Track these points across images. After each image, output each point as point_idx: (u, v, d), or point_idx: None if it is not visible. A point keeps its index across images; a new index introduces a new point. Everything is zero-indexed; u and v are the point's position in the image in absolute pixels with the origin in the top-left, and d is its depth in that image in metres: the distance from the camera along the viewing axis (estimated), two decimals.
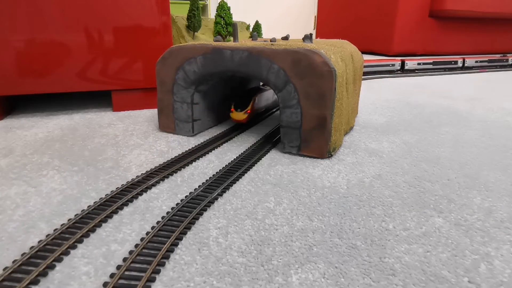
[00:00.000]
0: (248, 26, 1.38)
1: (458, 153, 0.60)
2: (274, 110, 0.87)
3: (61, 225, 0.37)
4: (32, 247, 0.33)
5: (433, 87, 1.26)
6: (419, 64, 1.58)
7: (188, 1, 1.07)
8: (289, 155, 0.57)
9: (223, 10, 1.15)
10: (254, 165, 0.53)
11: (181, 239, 0.35)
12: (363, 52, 1.74)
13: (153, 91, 0.83)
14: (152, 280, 0.30)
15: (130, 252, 0.33)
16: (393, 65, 1.54)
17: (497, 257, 0.33)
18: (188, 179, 0.48)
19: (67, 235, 0.35)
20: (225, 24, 1.15)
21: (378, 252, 0.34)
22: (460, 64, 1.69)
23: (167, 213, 0.39)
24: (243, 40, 0.76)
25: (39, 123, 0.73)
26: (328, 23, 2.23)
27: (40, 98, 0.93)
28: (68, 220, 0.37)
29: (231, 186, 0.46)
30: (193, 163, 0.54)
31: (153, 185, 0.46)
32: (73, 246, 0.34)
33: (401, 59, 1.57)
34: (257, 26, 1.31)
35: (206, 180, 0.47)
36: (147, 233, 0.35)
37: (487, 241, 0.36)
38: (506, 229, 0.38)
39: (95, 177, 0.48)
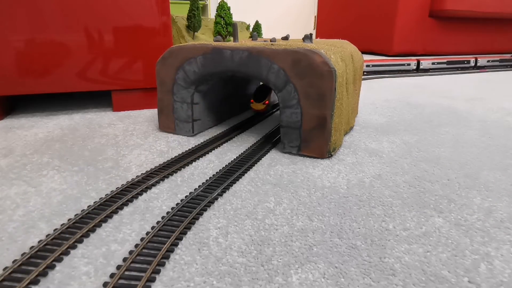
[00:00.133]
0: (248, 26, 1.38)
1: (458, 153, 0.60)
2: (274, 110, 0.87)
3: (61, 225, 0.37)
4: (32, 247, 0.33)
5: (433, 87, 1.26)
6: (433, 63, 1.61)
7: (188, 1, 1.07)
8: (289, 155, 0.57)
9: (223, 10, 1.15)
10: (254, 165, 0.53)
11: (181, 239, 0.35)
12: (363, 52, 1.74)
13: (153, 91, 0.83)
14: (152, 280, 0.30)
15: (130, 252, 0.33)
16: (408, 64, 1.57)
17: (497, 257, 0.33)
18: (188, 179, 0.48)
19: (67, 235, 0.35)
20: (225, 24, 1.15)
21: (378, 252, 0.34)
22: (472, 64, 1.72)
23: (167, 213, 0.39)
24: (243, 40, 0.76)
25: (39, 123, 0.73)
26: (328, 23, 2.23)
27: (40, 98, 0.93)
28: (68, 220, 0.37)
29: (231, 186, 0.46)
30: (193, 163, 0.54)
31: (153, 185, 0.46)
32: (73, 246, 0.34)
33: (416, 59, 1.60)
34: (257, 26, 1.31)
35: (206, 180, 0.47)
36: (147, 233, 0.35)
37: (487, 241, 0.36)
38: (506, 229, 0.38)
39: (95, 177, 0.48)
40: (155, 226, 0.36)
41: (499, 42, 1.95)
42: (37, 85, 0.75)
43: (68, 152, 0.57)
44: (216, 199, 0.43)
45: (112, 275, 0.30)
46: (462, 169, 0.53)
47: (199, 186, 0.46)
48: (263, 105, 0.77)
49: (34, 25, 0.72)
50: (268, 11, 2.34)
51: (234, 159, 0.55)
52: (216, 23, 1.15)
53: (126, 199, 0.42)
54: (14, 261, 0.31)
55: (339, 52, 0.58)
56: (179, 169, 0.51)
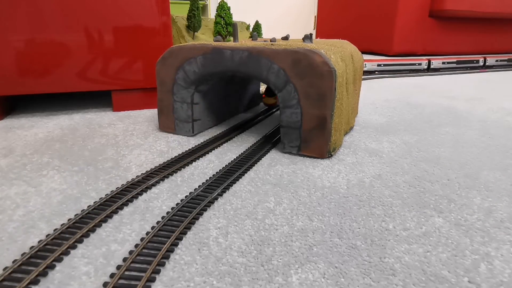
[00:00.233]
0: (248, 26, 1.38)
1: (458, 153, 0.60)
2: (274, 110, 0.87)
3: (61, 225, 0.37)
4: (32, 247, 0.33)
5: (433, 87, 1.26)
6: (443, 63, 1.66)
7: (188, 1, 1.07)
8: (289, 155, 0.57)
9: (223, 10, 1.15)
10: (254, 165, 0.53)
11: (181, 239, 0.35)
12: (363, 52, 1.74)
13: (153, 91, 0.83)
14: (152, 280, 0.30)
15: (130, 252, 0.33)
16: (420, 64, 1.61)
17: (497, 257, 0.33)
18: (188, 179, 0.48)
19: (67, 235, 0.35)
20: (225, 24, 1.15)
21: (378, 252, 0.34)
22: (481, 63, 1.75)
23: (167, 213, 0.39)
24: (243, 40, 0.76)
25: (39, 123, 0.73)
26: (328, 23, 2.23)
27: (40, 98, 0.93)
28: (68, 220, 0.37)
29: (231, 186, 0.46)
30: (193, 163, 0.54)
31: (153, 185, 0.46)
32: (73, 246, 0.34)
33: (427, 59, 1.63)
34: (257, 26, 1.31)
35: (206, 180, 0.47)
36: (147, 233, 0.35)
37: (487, 241, 0.36)
38: (506, 229, 0.38)
39: (95, 177, 0.48)
40: (155, 226, 0.36)
41: (499, 42, 1.95)
42: (37, 85, 0.75)
43: (68, 152, 0.57)
44: (216, 199, 0.43)
45: (112, 275, 0.30)
46: (462, 169, 0.53)
47: (199, 186, 0.46)
48: (274, 99, 0.86)
49: (34, 25, 0.72)
50: (268, 11, 2.34)
51: (234, 159, 0.55)
52: (216, 23, 1.15)
53: (126, 199, 0.42)
54: (14, 261, 0.31)
55: (339, 52, 0.58)
56: (179, 169, 0.51)
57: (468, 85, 1.33)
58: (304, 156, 0.57)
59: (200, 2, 1.15)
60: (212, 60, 0.59)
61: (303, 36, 0.64)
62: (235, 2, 1.82)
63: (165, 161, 0.53)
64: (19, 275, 0.29)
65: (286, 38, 0.73)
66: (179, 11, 1.38)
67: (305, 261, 0.32)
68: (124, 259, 0.32)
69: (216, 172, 0.50)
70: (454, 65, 1.68)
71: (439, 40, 1.78)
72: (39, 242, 0.34)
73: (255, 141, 0.63)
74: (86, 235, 0.35)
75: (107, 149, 0.59)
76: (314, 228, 0.37)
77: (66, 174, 0.49)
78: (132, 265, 0.31)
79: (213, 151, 0.59)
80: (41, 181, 0.47)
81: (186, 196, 0.43)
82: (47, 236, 0.35)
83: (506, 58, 1.79)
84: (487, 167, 0.54)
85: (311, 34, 0.64)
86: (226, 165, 0.52)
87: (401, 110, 0.90)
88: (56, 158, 0.55)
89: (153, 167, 0.51)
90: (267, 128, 0.72)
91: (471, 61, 1.73)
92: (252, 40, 0.75)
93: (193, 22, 1.07)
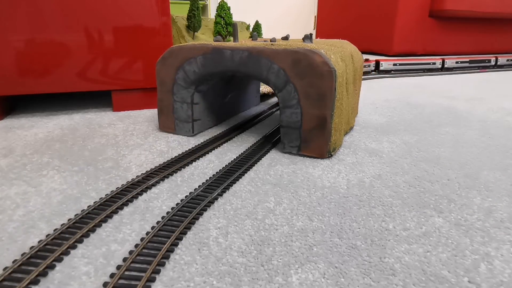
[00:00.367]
0: (248, 26, 1.37)
1: (458, 153, 0.60)
2: (274, 110, 0.87)
3: (61, 225, 0.37)
4: (32, 247, 0.33)
5: (433, 87, 1.26)
6: (457, 62, 1.70)
7: (188, 1, 1.07)
8: (289, 155, 0.57)
9: (223, 10, 1.15)
10: (254, 165, 0.53)
11: (181, 239, 0.35)
12: (363, 52, 1.74)
13: (153, 91, 0.83)
14: (152, 280, 0.30)
15: (130, 252, 0.33)
16: (434, 63, 1.65)
17: (497, 257, 0.33)
18: (188, 179, 0.48)
19: (67, 235, 0.35)
20: (225, 24, 1.15)
21: (378, 252, 0.34)
22: (493, 63, 1.79)
23: (167, 213, 0.39)
24: (243, 40, 0.76)
25: (39, 123, 0.73)
26: (328, 23, 2.23)
27: (40, 98, 0.93)
28: (68, 220, 0.37)
29: (231, 186, 0.46)
30: (193, 163, 0.54)
31: (153, 185, 0.46)
32: (73, 246, 0.34)
33: (441, 58, 1.67)
34: (257, 26, 1.31)
35: (206, 180, 0.47)
36: (147, 233, 0.35)
37: (487, 241, 0.36)
38: (506, 229, 0.38)
39: (95, 177, 0.48)
40: (155, 226, 0.36)
41: (499, 42, 1.95)
42: (37, 85, 0.75)
43: (68, 152, 0.57)
44: (216, 199, 0.43)
45: (112, 275, 0.30)
46: (462, 169, 0.53)
47: (199, 186, 0.46)
48: None
49: (34, 25, 0.72)
50: (268, 11, 2.34)
51: (234, 159, 0.55)
52: (216, 23, 1.15)
53: (126, 199, 0.42)
54: (14, 261, 0.31)
55: (339, 52, 0.58)
56: (179, 169, 0.51)
57: (468, 85, 1.33)
58: (304, 156, 0.57)
59: (200, 2, 1.15)
60: (212, 60, 0.59)
61: (303, 36, 0.64)
62: (235, 2, 1.82)
63: (165, 161, 0.53)
64: (19, 275, 0.29)
65: (286, 38, 0.73)
66: (179, 11, 1.38)
67: (305, 261, 0.32)
68: (124, 259, 0.32)
69: (216, 172, 0.50)
70: (467, 64, 1.73)
71: (439, 40, 1.78)
72: (39, 242, 0.34)
73: (255, 141, 0.63)
74: (86, 235, 0.35)
75: (107, 149, 0.59)
76: (314, 228, 0.37)
77: (66, 174, 0.49)
78: (132, 265, 0.31)
79: (213, 151, 0.59)
80: (41, 181, 0.47)
81: (186, 196, 0.43)
82: (47, 236, 0.35)
83: None
84: (487, 167, 0.54)
85: (311, 34, 0.64)
86: (226, 165, 0.52)
87: (401, 110, 0.90)
88: (56, 158, 0.55)
89: (153, 167, 0.51)
90: (267, 128, 0.72)
91: (483, 61, 1.77)
92: (252, 40, 0.75)
93: (193, 22, 1.07)
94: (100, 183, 0.47)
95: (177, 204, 0.41)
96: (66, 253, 0.33)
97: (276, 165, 0.53)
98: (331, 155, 0.56)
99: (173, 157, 0.55)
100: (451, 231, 0.37)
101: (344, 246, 0.34)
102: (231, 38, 1.08)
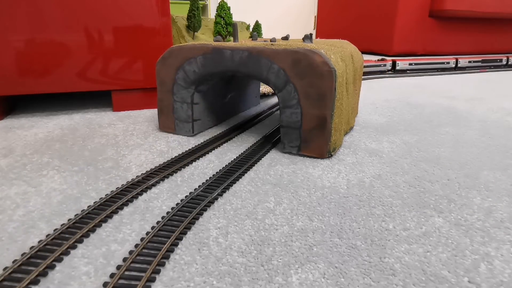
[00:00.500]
0: (248, 26, 1.37)
1: (458, 153, 0.60)
2: (274, 109, 0.87)
3: (61, 225, 0.37)
4: (32, 247, 0.33)
5: (433, 87, 1.26)
6: (469, 62, 1.73)
7: (188, 1, 1.07)
8: (289, 155, 0.57)
9: (223, 10, 1.15)
10: (254, 165, 0.53)
11: (181, 239, 0.35)
12: (363, 52, 1.75)
13: (153, 91, 0.83)
14: (152, 280, 0.30)
15: (130, 252, 0.33)
16: (448, 63, 1.68)
17: (497, 257, 0.33)
18: (188, 179, 0.48)
19: (67, 235, 0.35)
20: (225, 24, 1.15)
21: (378, 252, 0.34)
22: (504, 62, 1.83)
23: (167, 213, 0.39)
24: (243, 40, 0.76)
25: (39, 123, 0.73)
26: (328, 23, 2.23)
27: (40, 98, 0.93)
28: (68, 220, 0.37)
29: (231, 186, 0.46)
30: (193, 163, 0.54)
31: (153, 185, 0.46)
32: (73, 246, 0.34)
33: (455, 58, 1.69)
34: (257, 26, 1.31)
35: (206, 180, 0.47)
36: (147, 233, 0.35)
37: (487, 241, 0.36)
38: (506, 229, 0.38)
39: (95, 177, 0.48)
40: (155, 226, 0.36)
41: (499, 42, 1.95)
42: (37, 85, 0.75)
43: (68, 152, 0.57)
44: (216, 199, 0.43)
45: (112, 275, 0.30)
46: (462, 169, 0.53)
47: (199, 186, 0.46)
48: None
49: (34, 25, 0.72)
50: (268, 11, 2.34)
51: (234, 159, 0.55)
52: (216, 23, 1.15)
53: (126, 199, 0.42)
54: (14, 261, 0.31)
55: (339, 52, 0.58)
56: (179, 169, 0.51)
57: (468, 85, 1.33)
58: (304, 156, 0.57)
59: (200, 2, 1.15)
60: (212, 60, 0.59)
61: (303, 36, 0.64)
62: (235, 2, 1.82)
63: (165, 161, 0.53)
64: (19, 275, 0.29)
65: (286, 38, 0.73)
66: (179, 11, 1.38)
67: (305, 261, 0.32)
68: (124, 259, 0.32)
69: (216, 172, 0.50)
70: (480, 64, 1.76)
71: (439, 40, 1.78)
72: (39, 242, 0.34)
73: (255, 141, 0.63)
74: (86, 235, 0.35)
75: (107, 149, 0.59)
76: (314, 228, 0.37)
77: (66, 174, 0.49)
78: (132, 265, 0.31)
79: (213, 151, 0.59)
80: (41, 181, 0.47)
81: (186, 196, 0.43)
82: (47, 236, 0.35)
83: None
84: (487, 167, 0.54)
85: (311, 34, 0.64)
86: (226, 165, 0.52)
87: (401, 110, 0.90)
88: (56, 158, 0.55)
89: (153, 167, 0.51)
90: (267, 128, 0.72)
91: (495, 60, 1.80)
92: (252, 40, 0.75)
93: (193, 22, 1.07)
94: (100, 183, 0.47)
95: (177, 204, 0.41)
96: (66, 253, 0.33)
97: (276, 165, 0.53)
98: (331, 155, 0.56)
99: (173, 157, 0.55)
100: (451, 231, 0.37)
101: (344, 246, 0.34)
102: (231, 38, 1.08)
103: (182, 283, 0.30)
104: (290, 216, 0.39)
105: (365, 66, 1.49)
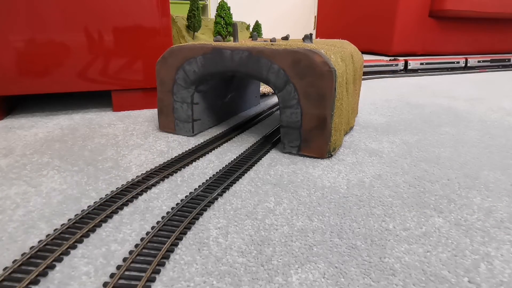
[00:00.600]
0: (248, 26, 1.37)
1: (458, 153, 0.60)
2: (274, 109, 0.87)
3: (61, 225, 0.37)
4: (32, 247, 0.33)
5: (433, 87, 1.26)
6: (479, 61, 1.78)
7: (188, 1, 1.07)
8: (289, 155, 0.57)
9: (223, 10, 1.15)
10: (254, 165, 0.53)
11: (181, 239, 0.35)
12: (363, 52, 1.75)
13: (153, 91, 0.83)
14: (152, 280, 0.30)
15: (130, 252, 0.33)
16: (458, 62, 1.73)
17: (497, 257, 0.33)
18: (188, 179, 0.48)
19: (67, 235, 0.35)
20: (225, 24, 1.15)
21: (378, 252, 0.34)
22: None
23: (167, 213, 0.39)
24: (243, 40, 0.76)
25: (39, 123, 0.73)
26: (328, 23, 2.23)
27: (40, 98, 0.93)
28: (68, 220, 0.37)
29: (231, 186, 0.46)
30: (193, 163, 0.54)
31: (153, 185, 0.46)
32: (73, 246, 0.34)
33: (464, 57, 1.74)
34: (257, 26, 1.31)
35: (206, 180, 0.47)
36: (147, 233, 0.35)
37: (487, 241, 0.36)
38: (506, 229, 0.38)
39: (95, 177, 0.48)
40: (155, 226, 0.36)
41: (499, 42, 1.95)
42: (37, 85, 0.75)
43: (68, 152, 0.57)
44: (216, 199, 0.43)
45: (112, 275, 0.30)
46: (462, 169, 0.53)
47: (199, 186, 0.46)
48: None
49: (34, 25, 0.72)
50: (268, 11, 2.34)
51: (234, 159, 0.55)
52: (216, 23, 1.15)
53: (126, 199, 0.42)
54: (14, 261, 0.31)
55: (339, 52, 0.58)
56: (179, 169, 0.51)
57: (468, 85, 1.33)
58: (304, 156, 0.57)
59: (200, 2, 1.15)
60: (212, 60, 0.59)
61: (303, 36, 0.64)
62: (235, 2, 1.81)
63: (165, 161, 0.53)
64: (19, 275, 0.29)
65: (286, 38, 0.73)
66: (179, 11, 1.38)
67: (305, 261, 0.32)
68: (124, 259, 0.32)
69: (216, 172, 0.50)
70: (488, 63, 1.80)
71: (439, 40, 1.78)
72: (39, 242, 0.34)
73: (255, 141, 0.63)
74: (86, 235, 0.35)
75: (107, 149, 0.59)
76: (314, 228, 0.37)
77: (66, 174, 0.49)
78: (132, 265, 0.31)
79: (213, 151, 0.59)
80: (41, 181, 0.47)
81: (186, 196, 0.43)
82: (47, 236, 0.35)
83: None
84: (487, 167, 0.54)
85: (311, 34, 0.64)
86: (226, 165, 0.52)
87: (401, 110, 0.90)
88: (56, 158, 0.55)
89: (153, 167, 0.51)
90: (267, 128, 0.72)
91: (504, 60, 1.84)
92: (252, 40, 0.75)
93: (193, 22, 1.07)
94: (100, 183, 0.47)
95: (177, 204, 0.41)
96: (66, 253, 0.33)
97: (276, 165, 0.53)
98: (331, 155, 0.56)
99: (173, 157, 0.55)
100: (451, 231, 0.37)
101: (344, 246, 0.34)
102: (231, 38, 1.08)
103: (182, 283, 0.30)
104: (290, 216, 0.39)
105: (376, 66, 1.53)
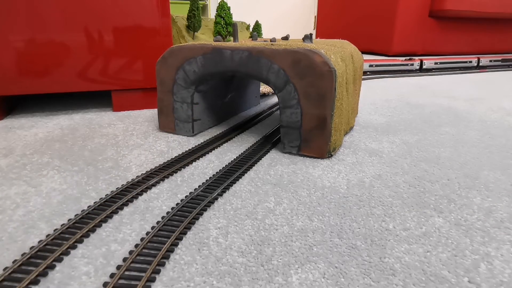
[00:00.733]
0: (248, 26, 1.37)
1: (458, 153, 0.60)
2: (274, 109, 0.87)
3: (61, 225, 0.37)
4: (32, 247, 0.33)
5: (433, 87, 1.26)
6: (490, 61, 1.82)
7: (188, 1, 1.07)
8: (289, 155, 0.57)
9: (223, 10, 1.15)
10: (254, 165, 0.53)
11: (181, 239, 0.35)
12: (363, 52, 1.75)
13: (153, 91, 0.83)
14: (152, 280, 0.30)
15: (130, 252, 0.33)
16: (470, 62, 1.77)
17: (497, 257, 0.33)
18: (188, 179, 0.48)
19: (67, 235, 0.35)
20: (225, 24, 1.15)
21: (378, 252, 0.34)
22: None
23: (167, 213, 0.39)
24: (243, 40, 0.76)
25: (39, 123, 0.73)
26: (328, 23, 2.23)
27: (40, 98, 0.93)
28: (68, 220, 0.37)
29: (231, 186, 0.46)
30: (193, 163, 0.54)
31: (153, 185, 0.46)
32: (73, 246, 0.34)
33: (477, 57, 1.78)
34: (257, 26, 1.31)
35: (206, 180, 0.47)
36: (147, 233, 0.35)
37: (487, 241, 0.36)
38: (506, 229, 0.38)
39: (95, 177, 0.48)
40: (155, 226, 0.36)
41: (499, 42, 1.95)
42: (37, 85, 0.75)
43: (68, 152, 0.57)
44: (216, 199, 0.43)
45: (112, 275, 0.30)
46: (462, 169, 0.53)
47: (199, 186, 0.46)
48: None
49: (34, 25, 0.72)
50: (268, 11, 2.34)
51: (234, 159, 0.55)
52: (216, 23, 1.15)
53: (126, 199, 0.42)
54: (14, 261, 0.31)
55: (339, 52, 0.58)
56: (179, 169, 0.51)
57: (468, 85, 1.33)
58: (304, 156, 0.57)
59: (200, 2, 1.15)
60: (212, 60, 0.59)
61: (303, 36, 0.64)
62: (235, 2, 1.81)
63: (165, 161, 0.53)
64: (19, 275, 0.29)
65: (286, 38, 0.73)
66: (179, 11, 1.38)
67: (305, 261, 0.32)
68: (124, 259, 0.32)
69: (216, 172, 0.50)
70: (499, 63, 1.85)
71: (439, 40, 1.78)
72: (39, 242, 0.34)
73: (255, 141, 0.63)
74: (86, 235, 0.35)
75: (107, 149, 0.59)
76: (314, 228, 0.37)
77: (66, 174, 0.49)
78: (132, 265, 0.31)
79: (213, 151, 0.59)
80: (41, 181, 0.47)
81: (186, 196, 0.43)
82: (47, 236, 0.35)
83: None
84: (487, 167, 0.54)
85: (311, 34, 0.64)
86: (226, 165, 0.52)
87: (401, 110, 0.90)
88: (56, 158, 0.55)
89: (153, 167, 0.51)
90: (267, 128, 0.72)
91: None
92: (252, 40, 0.75)
93: (193, 22, 1.07)
94: (100, 183, 0.47)
95: (177, 204, 0.41)
96: (66, 253, 0.33)
97: (276, 165, 0.53)
98: (331, 155, 0.56)
99: (173, 157, 0.55)
100: (451, 231, 0.37)
101: (344, 246, 0.34)
102: (231, 38, 1.08)
103: (182, 283, 0.30)
104: (290, 216, 0.39)
105: (392, 65, 1.57)
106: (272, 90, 0.88)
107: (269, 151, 0.59)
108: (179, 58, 0.62)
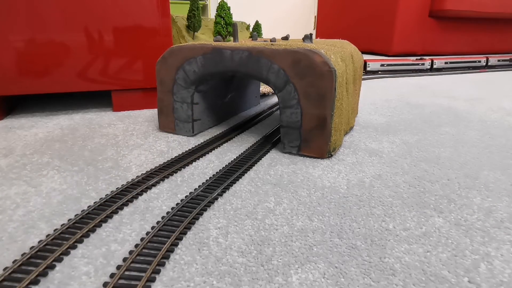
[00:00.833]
0: (248, 26, 1.37)
1: (458, 153, 0.60)
2: (274, 109, 0.87)
3: (61, 225, 0.37)
4: (32, 247, 0.33)
5: (433, 87, 1.26)
6: (499, 61, 1.84)
7: (188, 1, 1.07)
8: (289, 155, 0.57)
9: (223, 10, 1.15)
10: (254, 165, 0.53)
11: (181, 239, 0.35)
12: (363, 52, 1.75)
13: (153, 91, 0.83)
14: (152, 280, 0.30)
15: (130, 252, 0.33)
16: (479, 61, 1.79)
17: (497, 257, 0.33)
18: (188, 179, 0.48)
19: (67, 235, 0.35)
20: (225, 24, 1.15)
21: (378, 252, 0.34)
22: None
23: (167, 213, 0.39)
24: (243, 40, 0.76)
25: (39, 123, 0.73)
26: (328, 23, 2.23)
27: (40, 98, 0.93)
28: (68, 220, 0.37)
29: (231, 186, 0.46)
30: (193, 163, 0.54)
31: (153, 185, 0.46)
32: (73, 246, 0.34)
33: (485, 57, 1.80)
34: (257, 26, 1.31)
35: (206, 180, 0.47)
36: (147, 233, 0.35)
37: (487, 241, 0.36)
38: (506, 229, 0.38)
39: (95, 177, 0.48)
40: (155, 226, 0.36)
41: (499, 42, 1.95)
42: (37, 85, 0.75)
43: (68, 152, 0.57)
44: (216, 199, 0.43)
45: (112, 275, 0.30)
46: (462, 169, 0.53)
47: (199, 186, 0.46)
48: None
49: (34, 25, 0.72)
50: (268, 11, 2.34)
51: (234, 159, 0.55)
52: (216, 23, 1.15)
53: (126, 199, 0.42)
54: (14, 261, 0.31)
55: (339, 52, 0.58)
56: (179, 169, 0.51)
57: (468, 85, 1.33)
58: (304, 156, 0.57)
59: (200, 2, 1.15)
60: (212, 60, 0.59)
61: (303, 36, 0.64)
62: (235, 2, 1.81)
63: (165, 161, 0.53)
64: (19, 275, 0.29)
65: (286, 38, 0.73)
66: (179, 11, 1.38)
67: (305, 261, 0.32)
68: (124, 259, 0.32)
69: (216, 172, 0.50)
70: (508, 62, 1.87)
71: (439, 40, 1.78)
72: (39, 242, 0.34)
73: (255, 141, 0.63)
74: (86, 235, 0.35)
75: (107, 149, 0.59)
76: (314, 228, 0.37)
77: (66, 174, 0.49)
78: (132, 265, 0.31)
79: (213, 151, 0.59)
80: (41, 181, 0.47)
81: (186, 196, 0.43)
82: (47, 236, 0.35)
83: None
84: (487, 167, 0.54)
85: (311, 34, 0.64)
86: (226, 165, 0.52)
87: (401, 110, 0.90)
88: (56, 158, 0.55)
89: (153, 167, 0.51)
90: (267, 128, 0.72)
91: None
92: (252, 40, 0.75)
93: (193, 22, 1.07)
94: (100, 183, 0.47)
95: (177, 204, 0.41)
96: (66, 253, 0.33)
97: (276, 165, 0.53)
98: (331, 155, 0.56)
99: (173, 157, 0.55)
100: (451, 231, 0.37)
101: (344, 246, 0.34)
102: (231, 38, 1.08)
103: (182, 283, 0.30)
104: (290, 216, 0.39)
105: (404, 65, 1.58)
106: (272, 90, 0.88)
107: (269, 151, 0.59)
108: (179, 58, 0.62)
